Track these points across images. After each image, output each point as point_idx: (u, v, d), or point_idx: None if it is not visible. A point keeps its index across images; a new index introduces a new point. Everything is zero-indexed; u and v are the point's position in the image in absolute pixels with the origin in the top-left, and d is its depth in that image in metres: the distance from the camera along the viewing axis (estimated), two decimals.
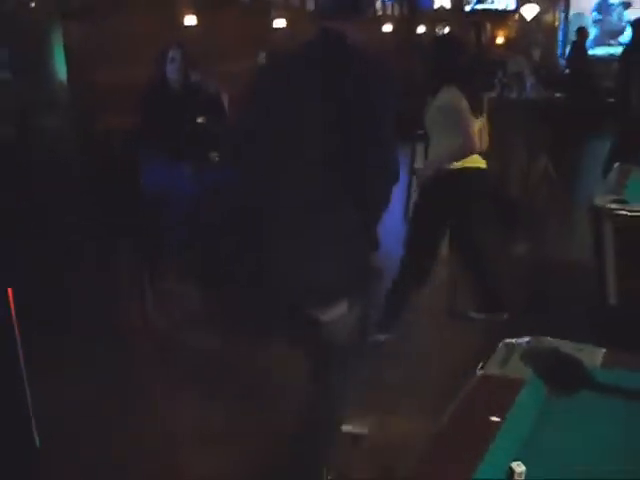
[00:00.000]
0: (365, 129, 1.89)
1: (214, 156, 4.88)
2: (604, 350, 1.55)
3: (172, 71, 3.98)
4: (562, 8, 11.93)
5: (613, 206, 2.99)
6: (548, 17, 11.79)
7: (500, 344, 1.59)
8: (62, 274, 4.07)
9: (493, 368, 1.50)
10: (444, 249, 3.85)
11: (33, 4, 4.89)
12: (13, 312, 2.32)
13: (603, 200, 3.05)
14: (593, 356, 1.53)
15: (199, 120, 4.22)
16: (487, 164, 3.58)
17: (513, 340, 1.59)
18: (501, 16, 12.14)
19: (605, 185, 3.45)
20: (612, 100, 6.47)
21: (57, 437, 2.55)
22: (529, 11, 11.18)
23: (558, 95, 6.68)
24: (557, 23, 11.89)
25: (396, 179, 2.00)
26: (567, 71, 9.75)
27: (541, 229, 5.65)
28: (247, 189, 2.05)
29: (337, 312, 2.02)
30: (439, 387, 2.88)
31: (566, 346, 1.56)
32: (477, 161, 3.52)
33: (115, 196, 4.30)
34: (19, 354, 2.35)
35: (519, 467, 1.16)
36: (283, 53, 2.20)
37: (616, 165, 3.98)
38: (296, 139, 1.92)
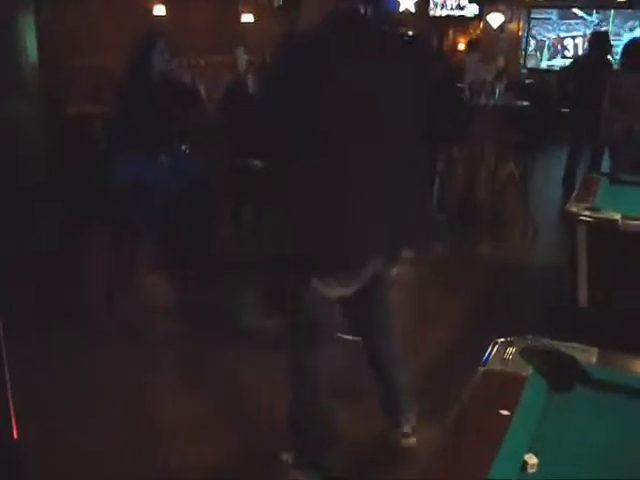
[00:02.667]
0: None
1: (185, 148, 4.85)
2: (597, 349, 1.61)
3: (159, 60, 3.92)
4: (525, 18, 12.22)
5: (586, 213, 3.12)
6: (512, 26, 12.05)
7: (497, 342, 1.64)
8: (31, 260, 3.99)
9: (493, 365, 1.54)
10: None
11: None
12: None
13: (577, 207, 3.18)
14: (587, 355, 1.59)
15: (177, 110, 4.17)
16: None
17: (510, 338, 1.64)
18: (466, 23, 12.35)
19: (577, 193, 3.58)
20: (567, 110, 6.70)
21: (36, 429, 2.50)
22: (495, 19, 11.40)
23: (524, 103, 6.84)
24: (521, 32, 12.17)
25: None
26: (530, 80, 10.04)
27: (504, 231, 5.86)
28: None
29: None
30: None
31: (560, 345, 1.62)
32: None
33: (86, 183, 4.22)
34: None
35: (532, 459, 1.21)
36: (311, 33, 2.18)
37: (585, 175, 4.19)
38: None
